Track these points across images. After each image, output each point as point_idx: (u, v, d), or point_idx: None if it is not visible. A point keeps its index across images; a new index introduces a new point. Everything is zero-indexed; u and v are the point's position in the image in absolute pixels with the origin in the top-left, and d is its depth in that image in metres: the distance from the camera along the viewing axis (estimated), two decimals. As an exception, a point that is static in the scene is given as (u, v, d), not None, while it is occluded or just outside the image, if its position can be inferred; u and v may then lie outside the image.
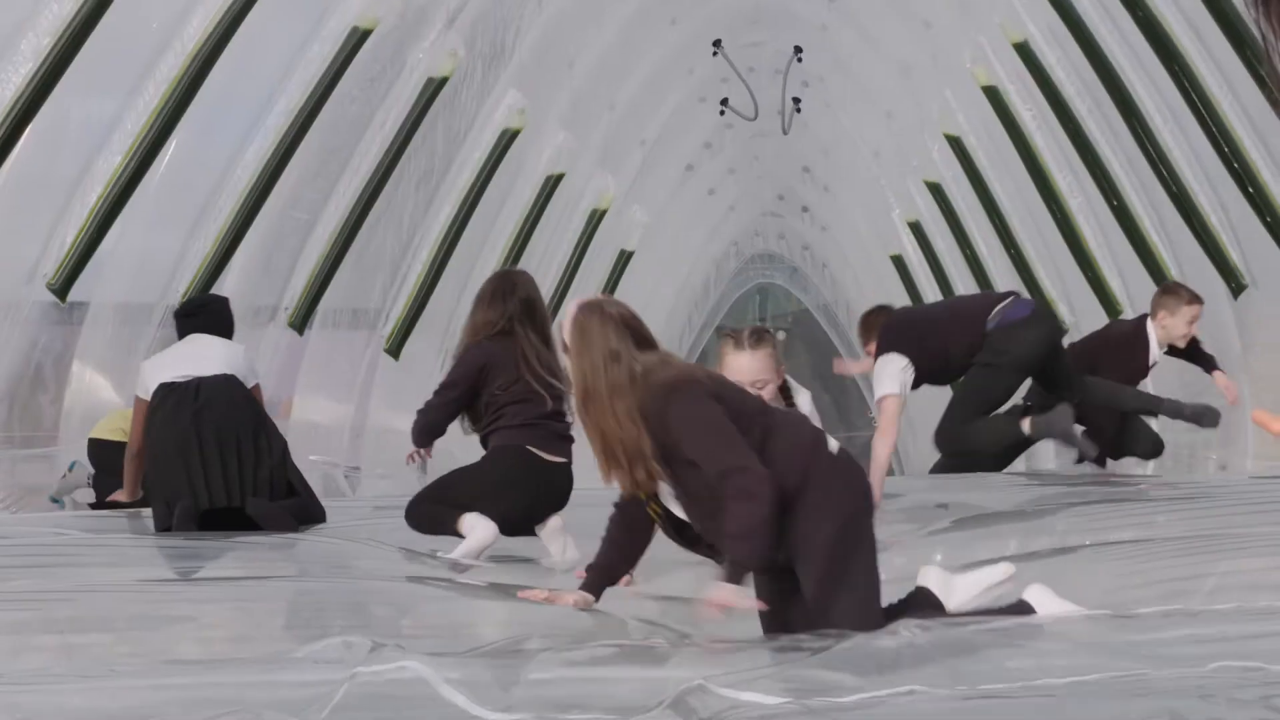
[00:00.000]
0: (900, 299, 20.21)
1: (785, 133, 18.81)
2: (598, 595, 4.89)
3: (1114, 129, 13.94)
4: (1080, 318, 16.21)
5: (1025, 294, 10.68)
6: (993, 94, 15.41)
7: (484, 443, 7.05)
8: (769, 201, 23.19)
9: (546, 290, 17.84)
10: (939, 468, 10.02)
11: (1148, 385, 10.29)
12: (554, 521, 6.92)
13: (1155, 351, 10.04)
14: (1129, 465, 10.39)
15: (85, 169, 11.27)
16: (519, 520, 6.90)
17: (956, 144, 16.86)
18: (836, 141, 20.20)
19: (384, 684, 3.76)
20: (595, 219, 18.47)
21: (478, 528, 6.72)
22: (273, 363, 13.51)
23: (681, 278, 23.07)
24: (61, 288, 11.19)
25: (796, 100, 18.69)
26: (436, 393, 7.10)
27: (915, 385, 8.34)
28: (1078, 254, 15.41)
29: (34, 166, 10.90)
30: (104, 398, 12.25)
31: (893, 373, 8.18)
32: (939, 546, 6.95)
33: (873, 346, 8.70)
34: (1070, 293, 16.25)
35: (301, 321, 13.83)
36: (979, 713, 3.52)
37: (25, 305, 11.40)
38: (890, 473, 8.58)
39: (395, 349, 15.40)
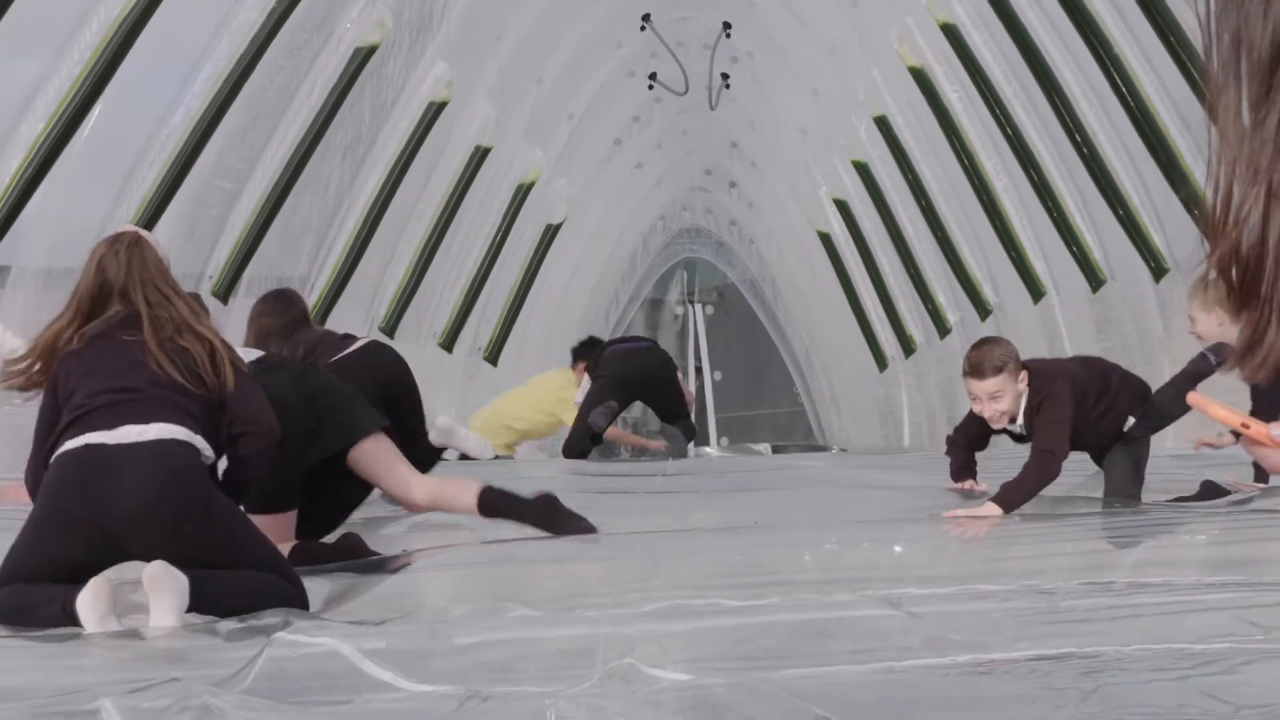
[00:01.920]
0: (827, 276, 20.34)
1: (712, 109, 18.83)
2: None
3: (1039, 111, 14.04)
4: (1004, 298, 16.33)
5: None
6: (919, 75, 15.47)
7: None
8: (696, 176, 23.16)
9: (473, 262, 17.83)
10: None
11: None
12: None
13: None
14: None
15: (9, 134, 11.15)
16: None
17: (883, 124, 16.93)
18: (764, 118, 20.21)
19: (308, 657, 3.76)
20: (522, 192, 18.44)
21: None
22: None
23: (608, 251, 23.03)
24: (-17, 254, 11.10)
25: (725, 76, 18.70)
26: None
27: None
28: (1002, 235, 15.51)
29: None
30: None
31: None
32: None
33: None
34: (995, 273, 16.35)
35: (226, 290, 13.75)
36: (894, 686, 3.57)
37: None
38: None
39: (320, 319, 15.32)
